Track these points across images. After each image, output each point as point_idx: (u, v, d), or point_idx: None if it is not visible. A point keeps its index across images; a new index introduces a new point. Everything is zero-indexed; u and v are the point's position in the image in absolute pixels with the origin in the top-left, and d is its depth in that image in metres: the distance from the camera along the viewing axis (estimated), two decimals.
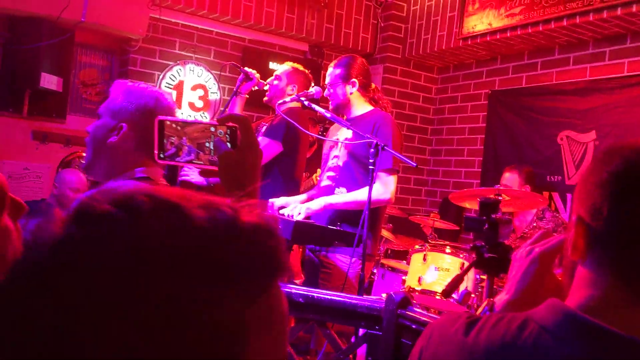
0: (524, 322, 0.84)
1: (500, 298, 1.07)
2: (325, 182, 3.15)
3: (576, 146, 4.59)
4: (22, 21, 4.25)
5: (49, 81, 4.28)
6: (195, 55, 5.09)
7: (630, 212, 0.80)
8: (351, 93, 3.10)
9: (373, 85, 3.24)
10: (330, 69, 3.18)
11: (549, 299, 0.85)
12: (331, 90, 3.15)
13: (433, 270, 3.31)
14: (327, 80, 3.19)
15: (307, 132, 3.39)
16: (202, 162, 1.09)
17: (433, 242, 3.77)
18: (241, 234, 0.50)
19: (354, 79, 3.09)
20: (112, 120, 1.68)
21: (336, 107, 3.16)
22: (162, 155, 1.11)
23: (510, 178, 3.99)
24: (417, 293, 3.35)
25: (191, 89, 5.08)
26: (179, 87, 5.02)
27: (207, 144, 1.08)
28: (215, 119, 1.11)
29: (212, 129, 1.07)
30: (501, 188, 3.30)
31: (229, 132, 1.05)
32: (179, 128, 1.10)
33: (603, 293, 0.81)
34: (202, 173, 3.50)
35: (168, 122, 1.10)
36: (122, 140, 1.65)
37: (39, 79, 4.22)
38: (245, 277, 0.50)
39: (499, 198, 1.98)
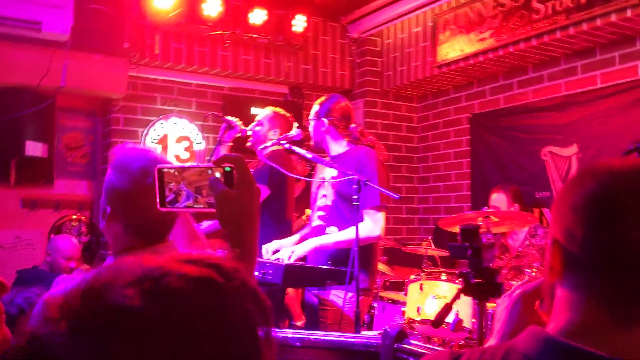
0: (507, 353, 0.84)
1: (489, 344, 1.07)
2: (316, 222, 3.16)
3: (560, 160, 4.64)
4: (3, 93, 4.31)
5: (34, 148, 4.32)
6: (177, 108, 5.15)
7: (605, 237, 0.79)
8: (324, 130, 3.16)
9: (353, 125, 3.28)
10: (313, 106, 3.27)
11: (529, 327, 0.84)
12: (309, 128, 3.22)
13: (431, 299, 3.31)
14: (310, 116, 3.26)
15: (291, 174, 3.42)
16: (200, 206, 1.09)
17: (428, 270, 3.76)
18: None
19: (323, 119, 3.14)
20: (103, 202, 1.53)
21: (315, 143, 3.23)
22: (163, 204, 1.11)
23: (497, 199, 4.02)
24: (417, 324, 3.33)
25: (176, 141, 5.13)
26: (163, 140, 5.07)
27: (205, 187, 1.08)
28: (211, 162, 1.11)
29: (209, 171, 1.07)
30: (489, 210, 3.33)
31: (225, 173, 1.05)
32: (176, 174, 1.11)
33: (581, 317, 0.81)
34: (197, 217, 3.51)
35: (166, 170, 1.11)
36: (108, 225, 1.50)
37: (24, 147, 4.26)
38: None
39: (479, 224, 2.00)
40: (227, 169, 1.06)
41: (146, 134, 5.00)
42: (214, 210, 1.08)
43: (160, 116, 5.06)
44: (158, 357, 0.48)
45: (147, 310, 0.49)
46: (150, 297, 0.50)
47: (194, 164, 1.29)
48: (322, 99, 3.26)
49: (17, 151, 4.29)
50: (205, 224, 3.51)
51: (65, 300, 0.50)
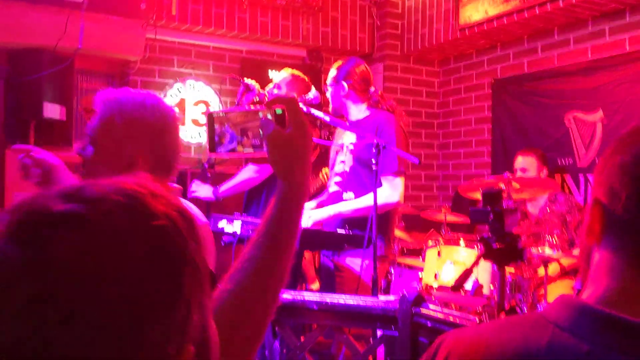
0: (536, 322, 0.79)
1: None
2: (333, 188, 3.13)
3: (584, 126, 4.53)
4: (21, 53, 4.29)
5: (52, 110, 4.32)
6: (195, 71, 5.11)
7: None
8: (342, 96, 3.11)
9: (373, 89, 3.23)
10: (331, 70, 3.22)
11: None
12: (329, 90, 3.18)
13: (449, 265, 3.27)
14: (327, 81, 3.21)
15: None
16: (248, 149, 1.06)
17: (446, 236, 3.73)
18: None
19: (343, 83, 3.09)
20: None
21: (333, 109, 3.18)
22: (213, 148, 1.09)
23: (526, 161, 3.95)
24: (434, 290, 3.31)
25: (193, 104, 5.10)
26: (180, 104, 5.04)
27: (251, 129, 1.05)
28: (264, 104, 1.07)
29: (260, 114, 1.04)
30: (510, 175, 3.26)
31: (276, 115, 1.01)
32: (222, 115, 1.08)
33: (620, 284, 0.76)
34: (253, 160, 3.48)
35: (215, 115, 1.08)
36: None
37: (42, 109, 4.26)
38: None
39: (502, 188, 1.95)
40: (279, 110, 1.01)
41: (164, 96, 4.97)
42: (260, 153, 1.05)
43: (178, 79, 5.03)
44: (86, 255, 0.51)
45: (76, 211, 0.52)
46: (76, 200, 0.53)
47: (244, 107, 1.25)
48: (340, 62, 3.21)
49: (35, 113, 4.29)
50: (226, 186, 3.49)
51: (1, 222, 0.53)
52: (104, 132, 1.49)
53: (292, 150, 1.00)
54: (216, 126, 1.07)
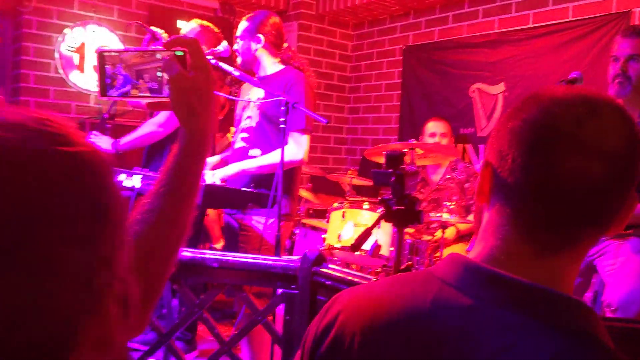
0: (426, 278, 0.82)
1: None
2: (239, 144, 3.06)
3: (487, 98, 4.71)
4: None
5: None
6: (97, 15, 4.79)
7: (536, 163, 0.76)
8: (256, 50, 3.01)
9: (285, 45, 3.15)
10: (240, 24, 3.09)
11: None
12: (237, 46, 3.06)
13: (351, 227, 3.33)
14: (237, 33, 3.08)
15: (217, 92, 3.27)
16: (143, 93, 0.97)
17: (351, 199, 3.78)
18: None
19: (258, 35, 2.99)
20: None
21: (243, 63, 3.06)
22: (104, 92, 0.98)
23: (438, 125, 4.04)
24: (337, 250, 3.36)
25: (95, 51, 4.79)
26: (80, 49, 4.72)
27: (148, 71, 0.96)
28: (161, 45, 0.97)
29: (158, 55, 0.95)
30: (415, 142, 3.33)
31: (177, 57, 0.93)
32: (115, 55, 0.97)
33: (505, 244, 0.80)
34: (149, 106, 3.30)
35: (107, 54, 0.97)
36: None
37: None
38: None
39: (404, 150, 1.97)
40: (179, 52, 0.94)
41: (62, 40, 4.63)
42: (158, 97, 0.97)
43: (78, 22, 4.69)
44: None
45: None
46: None
47: (140, 47, 1.10)
48: (250, 15, 3.09)
49: None
50: None
51: None
52: None
53: (196, 94, 0.94)
54: (107, 67, 0.98)
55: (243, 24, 3.05)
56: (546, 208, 0.77)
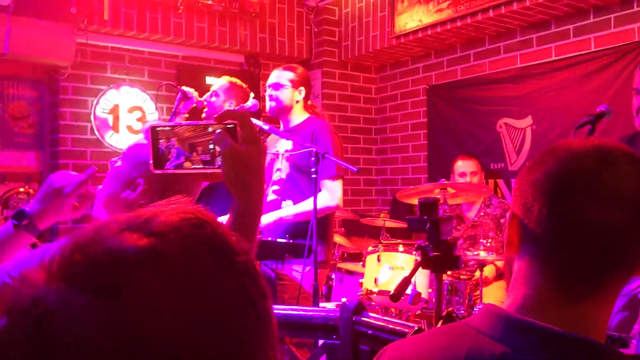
0: (460, 330, 0.86)
1: None
2: (271, 197, 3.12)
3: (515, 132, 4.71)
4: None
5: None
6: (129, 77, 4.98)
7: (559, 213, 0.81)
8: (297, 101, 3.10)
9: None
10: (278, 71, 3.14)
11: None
12: (275, 93, 3.10)
13: (388, 270, 3.32)
14: (274, 81, 3.12)
15: None
16: (197, 165, 1.00)
17: (385, 242, 3.78)
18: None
19: (302, 87, 3.09)
20: (133, 171, 1.37)
21: (277, 111, 3.11)
22: (158, 165, 1.01)
23: (467, 164, 4.05)
24: (374, 295, 3.35)
25: (128, 111, 4.97)
26: (114, 110, 4.90)
27: (201, 144, 0.99)
28: (212, 119, 1.00)
29: (210, 128, 0.98)
30: (446, 182, 3.34)
31: (228, 129, 0.97)
32: (168, 130, 1.01)
33: (536, 292, 0.82)
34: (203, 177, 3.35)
35: (160, 128, 1.01)
36: (139, 197, 1.35)
37: None
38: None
39: (438, 197, 1.99)
40: (230, 125, 0.97)
41: (96, 103, 4.82)
42: (211, 169, 1.00)
43: (111, 85, 4.89)
44: (171, 292, 0.44)
45: (154, 247, 0.45)
46: (146, 235, 0.46)
47: (192, 121, 1.12)
48: (290, 65, 3.19)
49: None
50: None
51: (52, 263, 0.44)
52: None
53: (247, 166, 0.97)
54: (161, 141, 1.01)
55: (286, 74, 3.11)
56: (573, 256, 0.81)
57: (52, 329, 0.40)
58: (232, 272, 0.48)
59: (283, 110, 3.10)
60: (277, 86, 3.10)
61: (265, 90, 3.21)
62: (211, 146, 1.00)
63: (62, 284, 0.42)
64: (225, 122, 0.98)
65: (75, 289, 0.42)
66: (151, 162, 1.02)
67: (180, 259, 0.46)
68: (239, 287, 0.48)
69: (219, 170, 0.99)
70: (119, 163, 1.40)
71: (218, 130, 0.97)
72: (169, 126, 1.02)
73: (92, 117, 4.81)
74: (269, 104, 3.15)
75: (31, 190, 4.72)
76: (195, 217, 0.50)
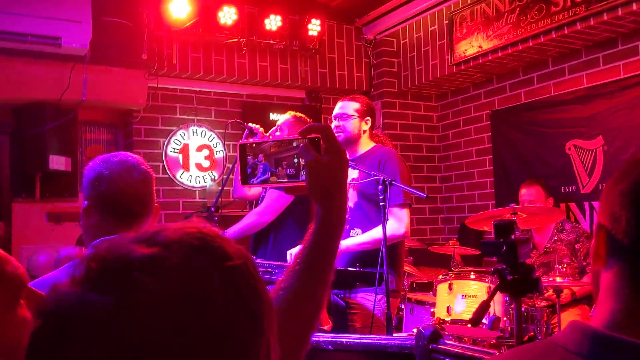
0: (546, 347, 0.84)
1: None
2: None
3: (585, 154, 4.57)
4: (25, 109, 4.37)
5: (58, 162, 4.36)
6: (197, 117, 5.17)
7: None
8: (364, 131, 3.13)
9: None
10: (344, 102, 3.17)
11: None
12: (342, 123, 3.12)
13: (460, 299, 3.26)
14: (340, 111, 3.14)
15: None
16: (282, 180, 1.05)
17: (456, 269, 3.72)
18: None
19: (368, 117, 3.12)
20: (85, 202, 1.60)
21: (345, 140, 3.12)
22: (245, 180, 1.07)
23: (531, 192, 3.96)
24: (447, 324, 3.29)
25: (196, 150, 5.15)
26: (184, 150, 5.09)
27: (286, 158, 1.04)
28: (296, 133, 1.05)
29: (295, 143, 1.03)
30: (516, 206, 3.27)
31: (312, 142, 1.01)
32: (255, 146, 1.07)
33: (625, 307, 0.80)
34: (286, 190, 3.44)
35: (248, 145, 1.07)
36: (87, 218, 1.57)
37: (48, 161, 4.30)
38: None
39: (514, 218, 1.96)
40: (314, 138, 1.01)
41: (167, 143, 5.03)
42: (296, 182, 1.05)
43: (181, 126, 5.09)
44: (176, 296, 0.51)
45: (157, 254, 0.53)
46: (154, 244, 0.54)
47: (278, 137, 1.18)
48: (356, 96, 3.23)
49: (41, 165, 4.34)
50: (231, 230, 3.50)
51: (75, 272, 0.53)
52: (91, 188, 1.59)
53: (331, 177, 1.01)
54: (249, 157, 1.06)
55: (352, 104, 3.14)
56: None
57: (72, 325, 0.49)
58: (226, 276, 0.55)
59: (350, 141, 3.12)
60: (344, 117, 3.12)
61: (330, 122, 3.25)
62: (295, 160, 1.05)
63: (81, 288, 0.51)
64: (309, 135, 1.02)
65: (92, 292, 0.51)
66: (239, 177, 1.09)
67: (180, 265, 0.53)
68: (232, 289, 0.55)
69: (303, 183, 1.03)
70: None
71: (302, 144, 1.02)
72: (256, 143, 1.07)
73: (163, 157, 5.01)
74: (339, 135, 3.17)
75: None
76: (198, 230, 0.58)
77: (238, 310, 0.55)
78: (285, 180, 1.05)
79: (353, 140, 3.12)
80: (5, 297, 0.86)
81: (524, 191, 4.01)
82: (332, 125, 3.20)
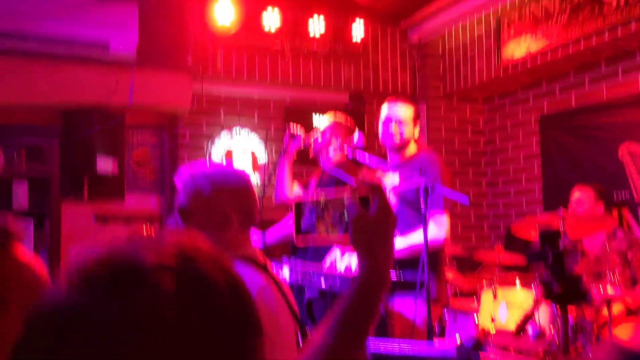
0: None
1: None
2: None
3: None
4: (74, 112, 4.49)
5: (105, 165, 4.47)
6: (241, 121, 5.21)
7: None
8: (415, 137, 3.10)
9: None
10: (403, 106, 3.13)
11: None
12: (401, 128, 3.09)
13: (505, 308, 3.16)
14: (400, 116, 3.09)
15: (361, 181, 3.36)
16: (334, 233, 1.11)
17: (502, 277, 3.61)
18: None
19: (418, 123, 3.10)
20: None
21: (401, 145, 3.08)
22: (299, 232, 1.17)
23: (582, 196, 3.82)
24: (491, 334, 3.19)
25: (240, 153, 5.18)
26: (228, 154, 5.13)
27: (334, 211, 1.10)
28: (350, 189, 1.12)
29: (345, 199, 1.09)
30: (565, 212, 3.15)
31: (361, 199, 1.05)
32: (311, 204, 1.14)
33: None
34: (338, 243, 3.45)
35: (307, 202, 1.15)
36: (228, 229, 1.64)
37: (96, 164, 4.41)
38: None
39: (560, 229, 1.87)
40: (364, 196, 1.06)
41: (211, 147, 5.08)
42: (340, 233, 1.11)
43: (224, 129, 5.13)
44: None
45: (178, 294, 0.53)
46: (180, 281, 0.54)
47: (330, 194, 1.30)
48: (407, 101, 3.19)
49: (89, 168, 4.45)
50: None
51: (72, 275, 0.53)
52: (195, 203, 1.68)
53: (374, 233, 1.01)
54: (303, 213, 1.15)
55: (409, 110, 3.11)
56: None
57: (71, 328, 0.50)
58: (232, 284, 0.56)
59: (404, 145, 3.09)
60: (402, 122, 3.09)
61: (387, 123, 3.15)
62: (346, 214, 1.11)
63: (86, 292, 0.52)
64: (361, 193, 1.06)
65: (76, 294, 0.51)
66: (294, 231, 1.16)
67: (187, 272, 0.54)
68: (238, 298, 0.56)
69: (346, 235, 1.09)
70: None
71: (350, 201, 1.07)
72: (309, 202, 1.15)
73: (207, 161, 5.06)
74: (396, 138, 3.10)
75: (152, 231, 5.01)
76: (183, 250, 0.57)
77: (243, 320, 0.56)
78: (333, 231, 1.12)
79: (406, 145, 3.08)
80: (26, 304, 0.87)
81: (576, 193, 3.86)
82: (390, 129, 3.10)
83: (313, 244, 1.17)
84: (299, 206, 1.14)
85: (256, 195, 1.74)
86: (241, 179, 1.72)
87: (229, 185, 1.67)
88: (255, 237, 3.56)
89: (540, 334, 2.58)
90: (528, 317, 1.48)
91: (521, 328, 1.56)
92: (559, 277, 1.51)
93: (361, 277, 0.98)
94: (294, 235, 1.13)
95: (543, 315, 2.93)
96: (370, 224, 1.01)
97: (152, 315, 0.50)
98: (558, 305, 1.60)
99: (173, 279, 0.52)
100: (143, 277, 0.52)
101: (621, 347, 0.75)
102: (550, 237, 1.54)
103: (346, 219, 1.08)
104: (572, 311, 3.28)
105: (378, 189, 1.04)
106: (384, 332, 2.93)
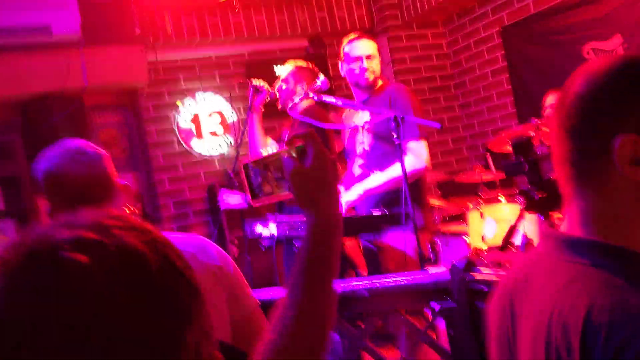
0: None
1: None
2: (357, 171, 3.07)
3: (605, 55, 4.36)
4: (30, 103, 4.34)
5: None
6: (202, 84, 5.09)
7: None
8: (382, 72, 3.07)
9: None
10: (369, 42, 3.07)
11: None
12: (371, 64, 3.03)
13: (493, 224, 3.19)
14: (370, 52, 3.05)
15: (329, 125, 3.31)
16: (281, 191, 1.07)
17: (485, 196, 3.63)
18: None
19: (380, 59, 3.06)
20: None
21: (374, 81, 3.04)
22: (254, 196, 1.11)
23: (555, 99, 3.81)
24: (485, 252, 3.23)
25: (208, 116, 5.09)
26: (195, 119, 5.03)
27: (280, 171, 1.06)
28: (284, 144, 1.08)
29: (283, 154, 1.05)
30: (538, 121, 3.14)
31: (297, 151, 1.03)
32: (256, 166, 1.10)
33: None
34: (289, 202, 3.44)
35: (251, 164, 1.10)
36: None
37: None
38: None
39: (531, 135, 1.86)
40: (299, 146, 1.03)
41: (177, 116, 4.97)
42: (285, 194, 1.06)
43: (187, 95, 5.02)
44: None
45: (82, 235, 0.52)
46: (76, 227, 0.53)
47: (272, 151, 1.23)
48: (372, 39, 3.11)
49: None
50: None
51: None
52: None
53: (314, 184, 0.99)
54: (252, 176, 1.10)
55: (374, 45, 3.06)
56: None
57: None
58: (158, 251, 0.55)
59: (374, 84, 3.04)
60: (372, 57, 3.03)
61: (356, 61, 3.08)
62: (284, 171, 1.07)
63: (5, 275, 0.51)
64: (296, 145, 1.03)
65: (19, 277, 0.50)
66: (249, 195, 1.11)
67: (110, 243, 0.53)
68: (166, 264, 0.55)
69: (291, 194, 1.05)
70: None
71: (286, 157, 1.03)
72: (256, 162, 1.10)
73: (176, 130, 4.97)
74: (370, 75, 3.04)
75: (136, 210, 4.95)
76: (102, 222, 0.56)
77: (175, 282, 0.55)
78: (287, 192, 1.07)
79: (375, 84, 3.03)
80: None
81: (550, 97, 3.84)
82: (364, 65, 3.03)
83: (268, 203, 1.14)
84: (246, 167, 1.10)
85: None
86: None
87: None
88: (240, 198, 3.54)
89: (528, 243, 2.61)
90: (511, 230, 1.49)
91: (506, 242, 1.57)
92: (537, 184, 1.51)
93: (310, 231, 0.97)
94: (250, 198, 1.10)
95: (530, 226, 2.96)
96: (308, 175, 0.99)
97: (66, 290, 0.49)
98: (541, 213, 1.60)
99: (88, 252, 0.51)
100: (53, 253, 0.50)
101: None
102: (522, 146, 1.52)
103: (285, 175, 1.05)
104: (559, 216, 3.33)
105: (311, 138, 1.01)
106: (377, 268, 2.95)
